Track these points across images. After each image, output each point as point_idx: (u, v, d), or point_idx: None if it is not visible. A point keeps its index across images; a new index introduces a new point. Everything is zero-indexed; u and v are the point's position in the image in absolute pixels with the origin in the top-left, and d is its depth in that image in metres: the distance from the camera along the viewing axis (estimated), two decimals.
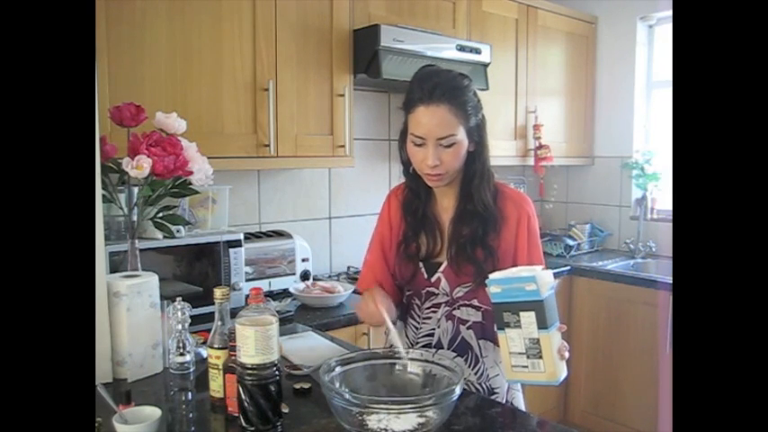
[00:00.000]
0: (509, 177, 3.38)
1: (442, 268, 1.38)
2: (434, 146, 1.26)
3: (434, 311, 1.41)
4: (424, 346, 1.39)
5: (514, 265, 1.32)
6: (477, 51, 2.57)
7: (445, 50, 2.46)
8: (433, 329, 1.40)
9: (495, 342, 1.37)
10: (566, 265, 3.02)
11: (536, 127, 3.11)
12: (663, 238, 3.23)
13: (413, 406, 1.02)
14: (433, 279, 1.39)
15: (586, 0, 3.45)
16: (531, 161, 3.15)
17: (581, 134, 3.48)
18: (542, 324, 1.10)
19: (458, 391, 1.03)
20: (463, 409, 1.18)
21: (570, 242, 3.27)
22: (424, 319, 1.42)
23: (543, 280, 1.11)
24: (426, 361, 1.20)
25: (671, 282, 2.62)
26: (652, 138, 3.42)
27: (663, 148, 3.28)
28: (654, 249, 3.25)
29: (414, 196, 1.42)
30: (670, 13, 3.12)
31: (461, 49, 2.51)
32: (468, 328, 1.38)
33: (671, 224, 3.07)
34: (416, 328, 1.43)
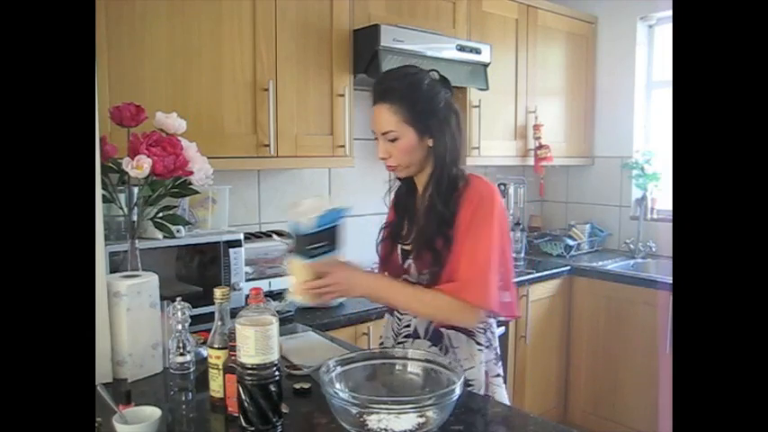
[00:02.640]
0: (509, 177, 3.37)
1: (412, 255, 1.42)
2: (383, 141, 1.38)
3: None
4: (405, 337, 1.45)
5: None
6: (477, 51, 2.57)
7: (445, 50, 2.46)
8: (411, 320, 1.45)
9: (465, 333, 1.41)
10: (566, 265, 3.01)
11: (536, 127, 3.11)
12: (663, 238, 3.23)
13: (413, 406, 1.02)
14: (405, 265, 1.44)
15: (586, 0, 3.45)
16: (531, 161, 3.16)
17: (581, 134, 3.48)
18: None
19: (458, 390, 1.03)
20: (462, 409, 1.18)
21: (570, 242, 3.27)
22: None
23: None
24: (426, 360, 1.20)
25: (671, 282, 2.62)
26: (652, 138, 3.42)
27: (663, 148, 3.28)
28: (654, 249, 3.25)
29: (404, 187, 1.53)
30: (670, 13, 3.12)
31: (461, 49, 2.51)
32: None
33: (671, 224, 3.06)
34: (399, 320, 1.48)
